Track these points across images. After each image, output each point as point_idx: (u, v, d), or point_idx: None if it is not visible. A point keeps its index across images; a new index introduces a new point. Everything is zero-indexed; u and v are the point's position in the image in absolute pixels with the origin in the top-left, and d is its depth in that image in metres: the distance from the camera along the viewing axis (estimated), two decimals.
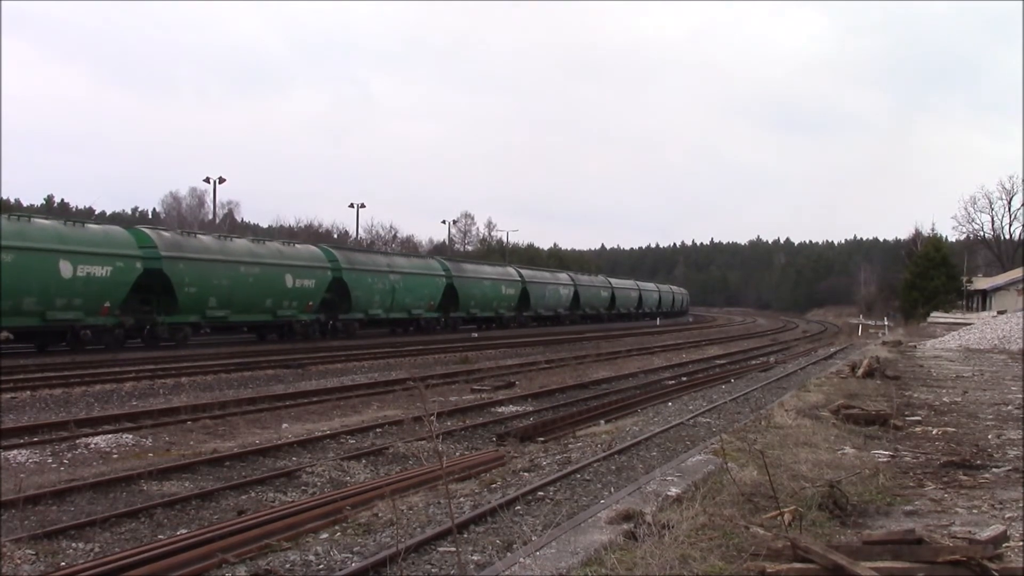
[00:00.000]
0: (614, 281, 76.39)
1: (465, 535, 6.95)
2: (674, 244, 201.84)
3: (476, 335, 41.90)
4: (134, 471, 9.96)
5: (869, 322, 66.08)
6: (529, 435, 13.08)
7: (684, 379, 23.07)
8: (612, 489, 8.49)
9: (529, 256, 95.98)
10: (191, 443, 12.40)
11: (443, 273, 44.75)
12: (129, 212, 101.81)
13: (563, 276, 64.20)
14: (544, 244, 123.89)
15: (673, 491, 7.47)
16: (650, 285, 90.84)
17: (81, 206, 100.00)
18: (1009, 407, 14.93)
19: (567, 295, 61.57)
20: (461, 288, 46.15)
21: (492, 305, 50.49)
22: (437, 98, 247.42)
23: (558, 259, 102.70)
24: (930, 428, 12.28)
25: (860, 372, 19.77)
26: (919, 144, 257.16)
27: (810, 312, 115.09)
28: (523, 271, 56.72)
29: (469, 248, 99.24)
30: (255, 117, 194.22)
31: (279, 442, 12.31)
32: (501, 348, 33.42)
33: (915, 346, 35.89)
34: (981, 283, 69.30)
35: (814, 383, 18.11)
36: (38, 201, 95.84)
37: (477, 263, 56.24)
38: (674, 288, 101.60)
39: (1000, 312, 49.81)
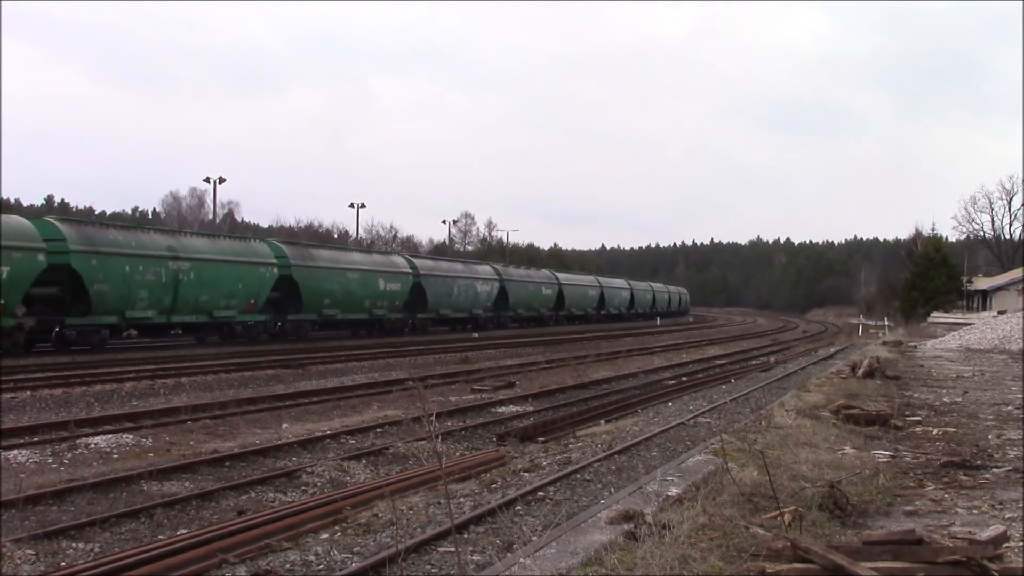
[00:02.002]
0: (603, 280, 73.78)
1: (465, 535, 6.95)
2: (674, 244, 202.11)
3: (476, 335, 41.90)
4: (134, 471, 9.96)
5: (869, 322, 66.08)
6: (529, 435, 13.08)
7: (684, 379, 23.07)
8: (612, 489, 8.49)
9: (529, 256, 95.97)
10: (191, 443, 12.40)
11: (409, 271, 41.34)
12: (129, 212, 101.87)
13: (545, 274, 61.13)
14: (544, 244, 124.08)
15: (673, 491, 7.47)
16: (642, 284, 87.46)
17: (81, 206, 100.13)
18: (1009, 407, 14.93)
19: (550, 295, 58.53)
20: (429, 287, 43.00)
21: (465, 305, 47.07)
22: (437, 98, 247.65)
23: (558, 259, 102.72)
24: (930, 428, 12.28)
25: (860, 372, 19.76)
26: (919, 144, 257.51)
27: (810, 312, 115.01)
28: (500, 269, 53.21)
29: (469, 248, 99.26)
30: (255, 117, 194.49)
31: (279, 442, 12.31)
32: (501, 348, 33.42)
33: (915, 346, 35.89)
34: (981, 283, 69.29)
35: (814, 383, 18.10)
36: (38, 201, 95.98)
37: (437, 259, 51.88)
38: (671, 288, 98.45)
39: (1000, 312, 49.80)
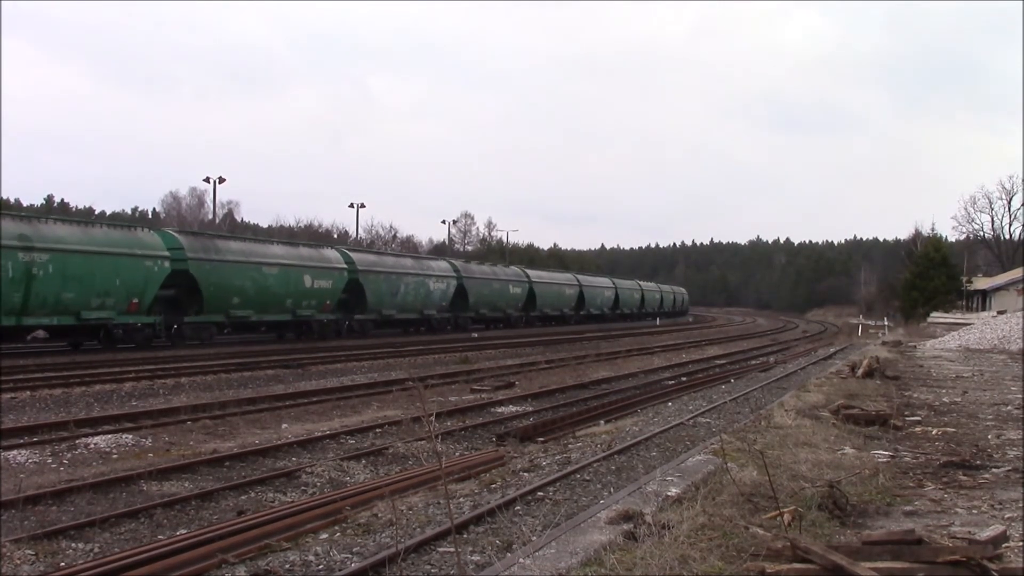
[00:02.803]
0: (583, 278, 67.85)
1: (465, 535, 6.95)
2: (674, 244, 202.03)
3: (476, 335, 41.83)
4: (134, 471, 9.96)
5: (869, 322, 66.06)
6: (529, 435, 13.08)
7: (684, 379, 23.07)
8: (612, 489, 8.49)
9: (529, 256, 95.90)
10: (191, 443, 12.39)
11: (344, 266, 37.08)
12: (129, 212, 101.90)
13: (514, 271, 56.06)
14: (544, 244, 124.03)
15: (673, 491, 7.47)
16: (628, 283, 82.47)
17: (81, 206, 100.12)
18: (1009, 407, 14.93)
19: (519, 293, 53.57)
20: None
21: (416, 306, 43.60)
22: (437, 98, 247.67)
23: (558, 259, 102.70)
24: (930, 428, 12.29)
25: (860, 372, 19.77)
26: (919, 144, 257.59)
27: (810, 312, 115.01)
28: (458, 265, 48.67)
29: (469, 248, 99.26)
30: (255, 117, 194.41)
31: (279, 442, 12.31)
32: (501, 348, 33.42)
33: (915, 346, 35.89)
34: (981, 283, 69.29)
35: (814, 383, 18.11)
36: (38, 201, 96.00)
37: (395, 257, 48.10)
38: (663, 286, 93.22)
39: (1000, 312, 49.79)
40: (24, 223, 24.67)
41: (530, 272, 58.09)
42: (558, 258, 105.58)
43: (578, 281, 65.59)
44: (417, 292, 41.96)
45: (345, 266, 36.86)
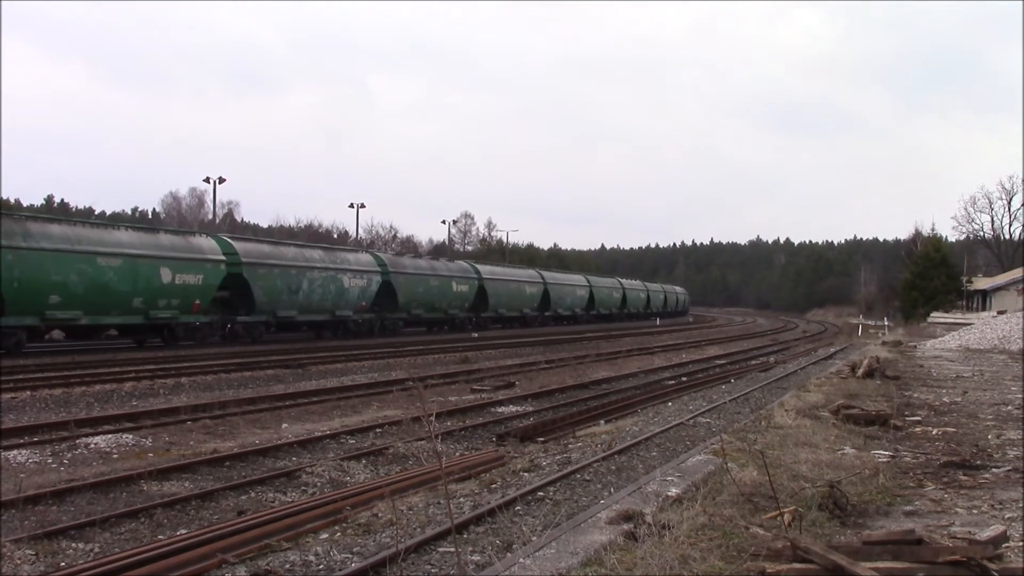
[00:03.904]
0: (548, 275, 63.01)
1: (465, 535, 6.95)
2: (674, 244, 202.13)
3: (476, 335, 41.76)
4: (134, 471, 9.96)
5: (869, 322, 66.06)
6: (529, 435, 13.08)
7: (684, 379, 23.07)
8: (612, 489, 8.48)
9: (529, 256, 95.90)
10: (191, 443, 12.40)
11: (221, 258, 30.71)
12: (129, 212, 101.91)
13: (462, 266, 49.32)
14: (544, 244, 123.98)
15: (673, 491, 7.47)
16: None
17: (81, 206, 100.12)
18: (1009, 407, 14.93)
19: (466, 292, 46.86)
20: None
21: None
22: (437, 98, 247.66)
23: (558, 259, 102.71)
24: (930, 428, 12.29)
25: (860, 372, 19.77)
26: (919, 144, 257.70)
27: (810, 312, 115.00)
28: (385, 258, 42.02)
29: (469, 248, 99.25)
30: (255, 117, 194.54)
31: (279, 442, 12.31)
32: (501, 348, 33.42)
33: (915, 346, 35.88)
34: (981, 283, 69.31)
35: (814, 383, 18.11)
36: (38, 201, 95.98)
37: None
38: (650, 285, 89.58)
39: (1000, 312, 49.80)
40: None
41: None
42: (558, 258, 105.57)
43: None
44: (326, 289, 35.27)
45: (222, 258, 30.24)
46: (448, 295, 44.66)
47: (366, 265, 38.52)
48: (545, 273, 62.81)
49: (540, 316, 56.49)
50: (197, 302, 29.16)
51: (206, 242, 30.83)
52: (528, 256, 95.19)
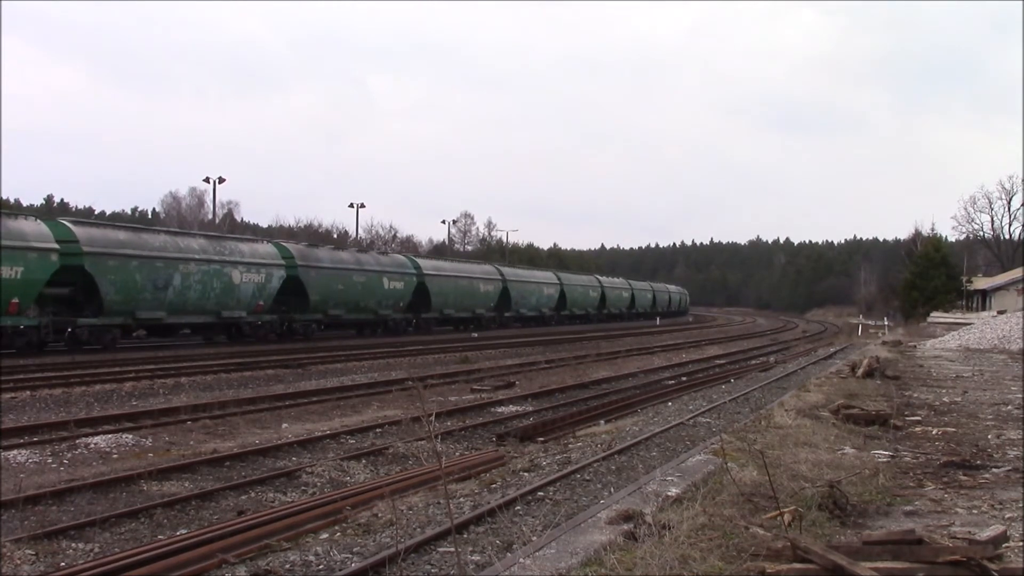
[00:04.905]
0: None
1: (465, 535, 6.95)
2: (674, 244, 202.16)
3: (476, 335, 41.74)
4: (134, 471, 9.96)
5: (869, 322, 66.09)
6: (529, 435, 13.08)
7: (684, 379, 23.07)
8: (612, 489, 8.48)
9: (529, 256, 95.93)
10: (191, 443, 12.40)
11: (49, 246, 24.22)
12: (129, 212, 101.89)
13: (399, 259, 43.04)
14: (544, 244, 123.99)
15: (673, 491, 7.47)
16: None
17: (81, 206, 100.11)
18: (1009, 407, 14.93)
19: (400, 289, 40.55)
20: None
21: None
22: (437, 98, 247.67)
23: (558, 259, 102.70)
24: (930, 428, 12.28)
25: (860, 372, 19.76)
26: (919, 143, 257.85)
27: (810, 312, 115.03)
28: (293, 248, 35.39)
29: (469, 248, 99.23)
30: (254, 117, 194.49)
31: (279, 442, 12.31)
32: (501, 348, 33.43)
33: (915, 346, 35.89)
34: (981, 283, 69.30)
35: (814, 383, 18.11)
36: (38, 201, 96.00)
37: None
38: (635, 283, 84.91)
39: (1000, 312, 49.78)
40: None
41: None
42: (558, 258, 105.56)
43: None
44: (210, 285, 29.90)
45: (54, 246, 24.53)
46: (378, 293, 38.79)
47: (265, 257, 32.79)
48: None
49: (499, 317, 50.53)
50: (14, 300, 23.34)
51: (31, 226, 24.63)
52: (528, 256, 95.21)
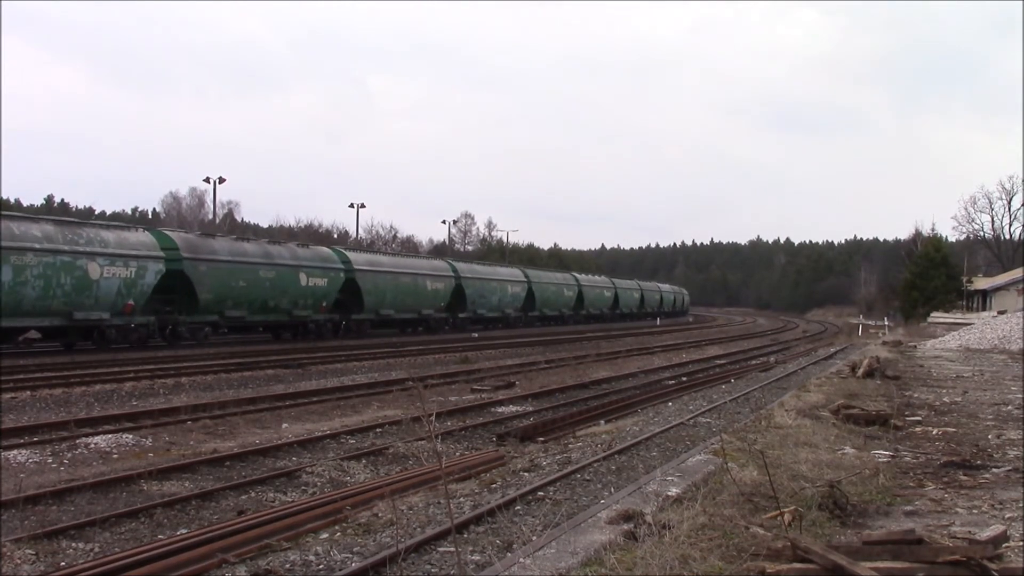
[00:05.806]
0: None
1: (465, 535, 6.95)
2: (674, 244, 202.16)
3: (476, 335, 41.73)
4: (134, 471, 9.96)
5: (869, 322, 66.08)
6: (529, 435, 13.08)
7: (684, 379, 23.07)
8: (612, 489, 8.48)
9: (529, 256, 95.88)
10: (191, 443, 12.39)
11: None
12: (129, 212, 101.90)
13: (324, 253, 37.00)
14: (544, 244, 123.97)
15: (673, 491, 7.47)
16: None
17: (81, 206, 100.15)
18: (1009, 407, 14.93)
19: (324, 288, 35.13)
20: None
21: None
22: (437, 98, 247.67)
23: (558, 259, 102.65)
24: (930, 428, 12.29)
25: (860, 372, 19.77)
26: (919, 143, 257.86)
27: (810, 312, 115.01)
28: (176, 237, 30.33)
29: (469, 248, 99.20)
30: (255, 117, 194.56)
31: (279, 442, 12.31)
32: (501, 348, 33.42)
33: (915, 346, 35.88)
34: (981, 283, 69.29)
35: (814, 383, 18.11)
36: (38, 201, 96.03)
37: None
38: (618, 282, 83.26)
39: (1000, 312, 49.79)
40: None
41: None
42: (558, 258, 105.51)
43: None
44: (54, 282, 24.42)
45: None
46: (292, 291, 33.49)
47: (136, 247, 27.45)
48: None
49: (452, 319, 45.80)
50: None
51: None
52: (528, 256, 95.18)
